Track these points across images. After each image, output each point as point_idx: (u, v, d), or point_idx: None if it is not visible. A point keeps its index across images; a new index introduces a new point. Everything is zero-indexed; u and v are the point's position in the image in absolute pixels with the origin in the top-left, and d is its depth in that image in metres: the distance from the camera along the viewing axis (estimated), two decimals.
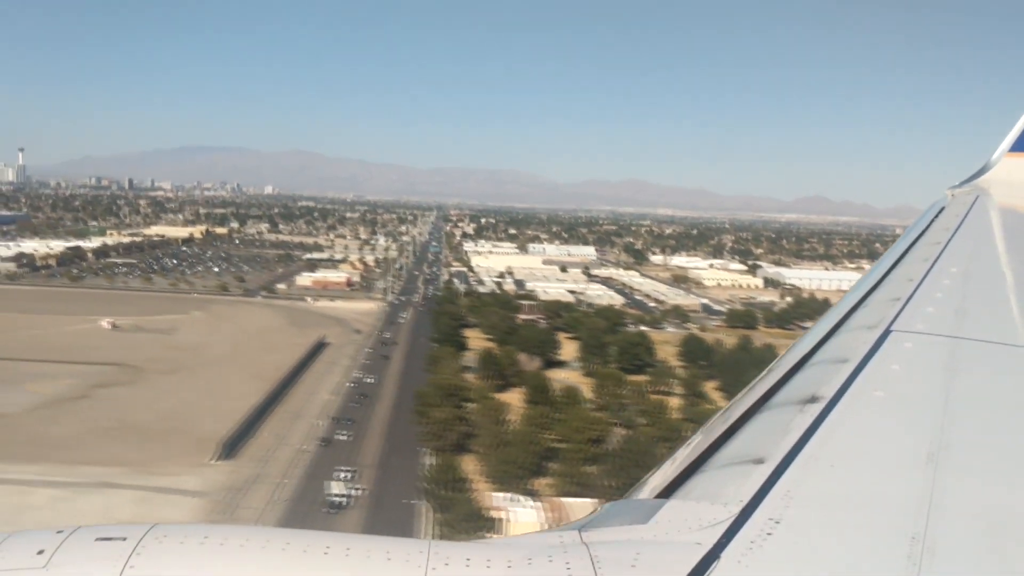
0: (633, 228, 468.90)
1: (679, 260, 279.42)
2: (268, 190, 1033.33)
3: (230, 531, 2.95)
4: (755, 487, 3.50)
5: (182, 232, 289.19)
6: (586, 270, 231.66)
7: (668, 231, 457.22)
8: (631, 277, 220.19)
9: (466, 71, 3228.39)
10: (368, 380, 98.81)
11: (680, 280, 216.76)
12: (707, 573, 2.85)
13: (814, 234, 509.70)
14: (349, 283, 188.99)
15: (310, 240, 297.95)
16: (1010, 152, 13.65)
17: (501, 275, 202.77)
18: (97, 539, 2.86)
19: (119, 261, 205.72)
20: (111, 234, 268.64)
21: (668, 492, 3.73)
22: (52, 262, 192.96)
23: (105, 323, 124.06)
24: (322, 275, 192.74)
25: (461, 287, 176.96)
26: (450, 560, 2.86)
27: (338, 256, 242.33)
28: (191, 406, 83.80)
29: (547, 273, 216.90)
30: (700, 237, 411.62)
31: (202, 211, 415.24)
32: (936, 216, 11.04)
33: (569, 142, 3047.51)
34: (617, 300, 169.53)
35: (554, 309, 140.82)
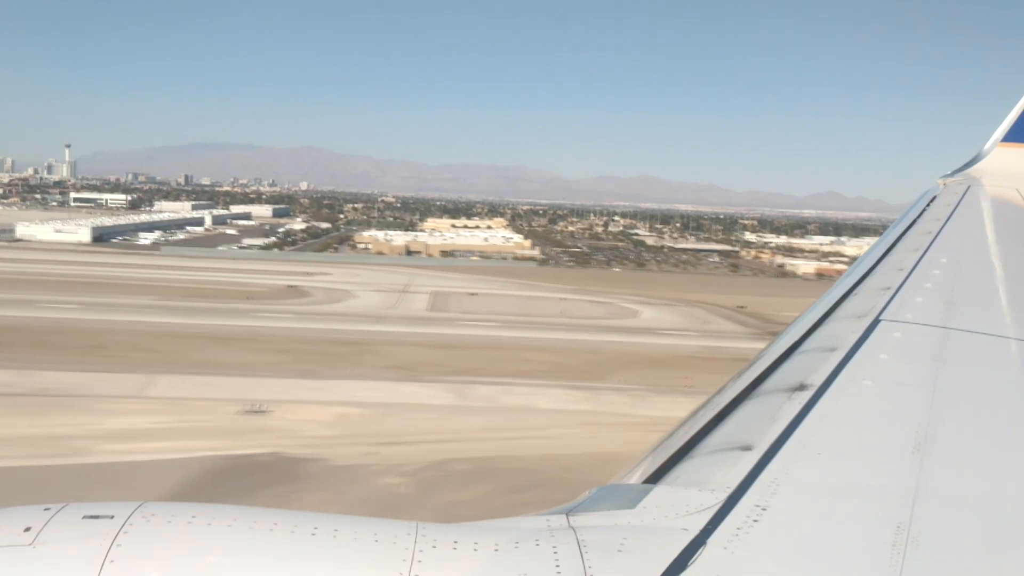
0: (778, 223, 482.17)
1: None
2: (303, 186, 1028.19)
3: (218, 511, 3.04)
4: (742, 474, 3.64)
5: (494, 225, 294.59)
6: None
7: (809, 226, 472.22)
8: None
9: (474, 67, 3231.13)
10: None
11: None
12: (693, 558, 2.93)
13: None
14: (839, 272, 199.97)
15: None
16: (1002, 142, 14.04)
17: None
18: (84, 516, 2.93)
19: (586, 253, 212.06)
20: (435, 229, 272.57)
21: (656, 477, 3.90)
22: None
23: None
24: (821, 264, 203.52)
25: None
26: (437, 542, 2.96)
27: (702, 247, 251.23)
28: None
29: None
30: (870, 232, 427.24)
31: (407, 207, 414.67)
32: (927, 205, 11.30)
33: (578, 138, 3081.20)
34: None
35: None
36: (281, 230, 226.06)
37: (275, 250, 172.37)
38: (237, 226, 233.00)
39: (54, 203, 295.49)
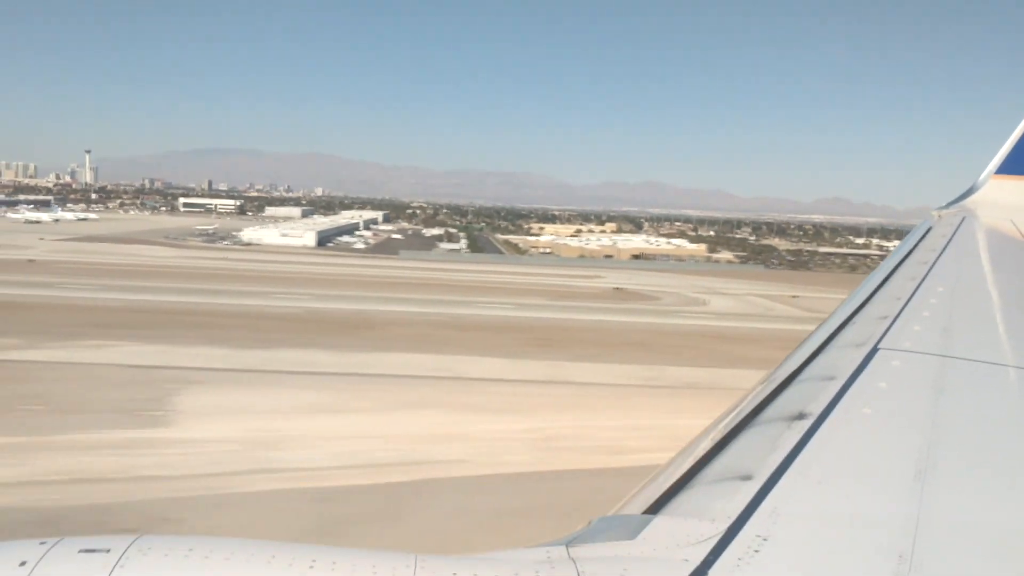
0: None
1: None
2: (318, 191, 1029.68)
3: (216, 543, 3.05)
4: (743, 503, 3.67)
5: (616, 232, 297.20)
6: None
7: None
8: None
9: (479, 74, 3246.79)
10: None
11: None
12: None
13: None
14: None
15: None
16: (996, 174, 14.52)
17: None
18: (80, 550, 2.93)
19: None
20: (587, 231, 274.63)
21: (656, 508, 3.90)
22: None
23: None
24: None
25: None
26: (436, 574, 2.95)
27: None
28: None
29: None
30: None
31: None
32: (923, 236, 11.59)
33: (584, 144, 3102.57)
34: None
35: None
36: (427, 235, 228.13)
37: (476, 255, 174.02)
38: (387, 231, 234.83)
39: (162, 209, 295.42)
